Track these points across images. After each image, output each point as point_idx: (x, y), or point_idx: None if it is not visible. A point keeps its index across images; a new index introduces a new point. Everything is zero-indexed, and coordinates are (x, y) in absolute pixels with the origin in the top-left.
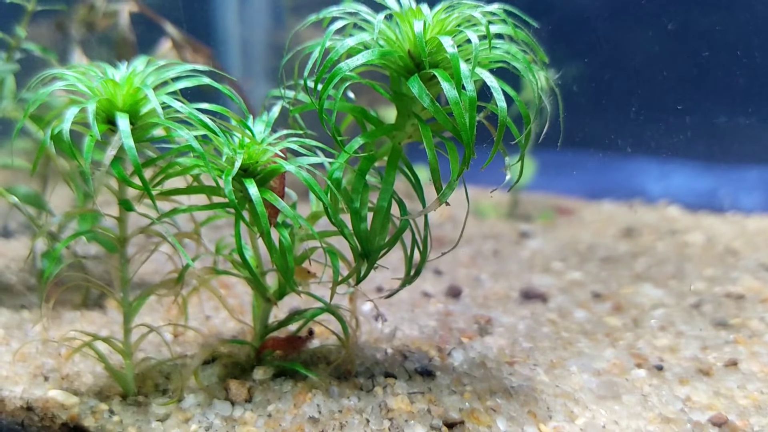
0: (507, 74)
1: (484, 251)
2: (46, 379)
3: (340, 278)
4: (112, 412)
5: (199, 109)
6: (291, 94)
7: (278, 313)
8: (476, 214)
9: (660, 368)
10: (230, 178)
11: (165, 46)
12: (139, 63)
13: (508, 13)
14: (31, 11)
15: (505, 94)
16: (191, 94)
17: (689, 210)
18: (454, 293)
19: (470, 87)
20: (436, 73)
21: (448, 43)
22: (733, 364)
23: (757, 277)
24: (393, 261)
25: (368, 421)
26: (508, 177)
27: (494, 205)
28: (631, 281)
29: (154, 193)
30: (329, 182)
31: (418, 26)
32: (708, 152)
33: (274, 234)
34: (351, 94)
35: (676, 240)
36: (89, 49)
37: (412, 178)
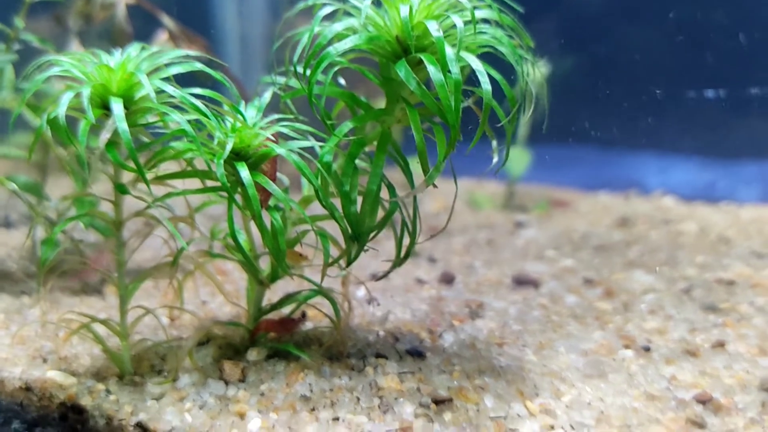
0: (501, 64)
1: (478, 240)
2: (44, 360)
3: (330, 260)
4: (108, 391)
5: (192, 95)
6: (283, 80)
7: (272, 296)
8: (471, 205)
9: (647, 349)
10: (222, 162)
11: (161, 37)
12: (133, 49)
13: None
14: (29, 3)
15: (492, 79)
16: (186, 83)
17: (684, 200)
18: (448, 279)
19: (455, 70)
20: (423, 57)
21: (434, 28)
22: (720, 345)
23: (749, 264)
24: (387, 248)
25: (359, 399)
26: (494, 160)
27: (490, 196)
28: (623, 268)
29: (148, 176)
30: (319, 166)
31: (404, 11)
32: (705, 146)
33: (266, 217)
34: (342, 81)
35: (670, 229)
36: (87, 40)
37: (401, 161)
